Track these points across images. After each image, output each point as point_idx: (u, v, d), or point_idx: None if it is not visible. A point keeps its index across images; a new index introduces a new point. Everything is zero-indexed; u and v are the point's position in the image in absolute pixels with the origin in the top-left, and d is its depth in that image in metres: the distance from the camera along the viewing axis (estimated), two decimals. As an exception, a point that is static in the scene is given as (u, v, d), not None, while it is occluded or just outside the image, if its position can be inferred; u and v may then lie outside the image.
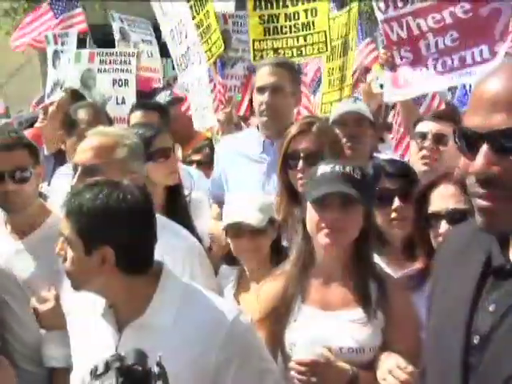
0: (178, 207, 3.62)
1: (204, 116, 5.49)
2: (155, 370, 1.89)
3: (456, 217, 2.65)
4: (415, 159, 3.92)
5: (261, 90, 4.08)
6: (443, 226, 2.66)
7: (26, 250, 3.30)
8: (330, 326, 2.64)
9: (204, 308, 2.30)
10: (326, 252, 2.69)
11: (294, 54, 5.17)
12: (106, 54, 6.29)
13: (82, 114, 4.35)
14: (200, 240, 3.48)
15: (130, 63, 6.25)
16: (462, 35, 4.18)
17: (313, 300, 2.71)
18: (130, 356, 1.68)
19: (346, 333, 2.62)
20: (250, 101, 5.75)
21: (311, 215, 2.68)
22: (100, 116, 4.41)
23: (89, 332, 2.36)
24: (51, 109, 5.49)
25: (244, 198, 3.42)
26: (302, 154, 3.38)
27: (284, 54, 5.13)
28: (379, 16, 4.47)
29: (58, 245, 2.33)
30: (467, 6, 4.11)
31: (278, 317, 2.69)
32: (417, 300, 2.76)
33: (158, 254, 2.37)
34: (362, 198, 2.63)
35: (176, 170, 3.69)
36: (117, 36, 8.34)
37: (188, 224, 3.52)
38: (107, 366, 1.65)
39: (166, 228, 2.78)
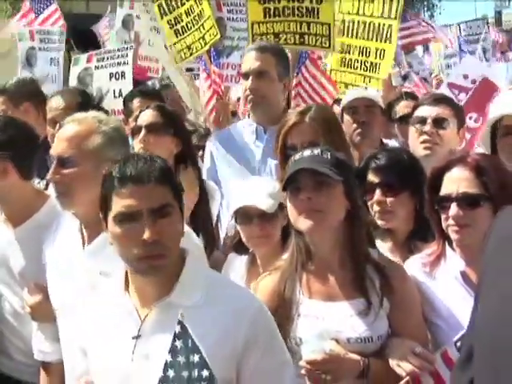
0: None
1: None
2: (176, 328, 2.00)
3: (466, 201, 2.62)
4: (416, 144, 3.88)
5: (245, 75, 4.07)
6: (453, 208, 2.62)
7: (19, 239, 3.26)
8: (335, 317, 2.62)
9: (231, 290, 2.36)
10: (311, 238, 2.65)
11: (296, 41, 4.82)
12: (104, 52, 6.31)
13: (52, 103, 4.37)
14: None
15: (127, 56, 6.26)
16: None
17: (315, 293, 2.68)
18: None
19: (352, 323, 2.60)
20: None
21: (289, 204, 2.65)
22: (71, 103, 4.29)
23: (103, 325, 2.35)
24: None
25: (254, 183, 3.40)
26: (298, 147, 3.30)
27: (285, 39, 4.82)
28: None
29: None
30: None
31: (277, 312, 2.61)
32: (428, 284, 2.78)
33: None
34: (336, 176, 2.58)
35: (153, 149, 3.62)
36: (118, 24, 8.28)
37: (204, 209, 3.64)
38: None
39: None
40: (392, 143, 4.54)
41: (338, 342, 2.58)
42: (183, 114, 5.93)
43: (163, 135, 3.79)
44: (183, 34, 6.16)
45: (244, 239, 3.23)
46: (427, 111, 3.92)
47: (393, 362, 2.54)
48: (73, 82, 6.63)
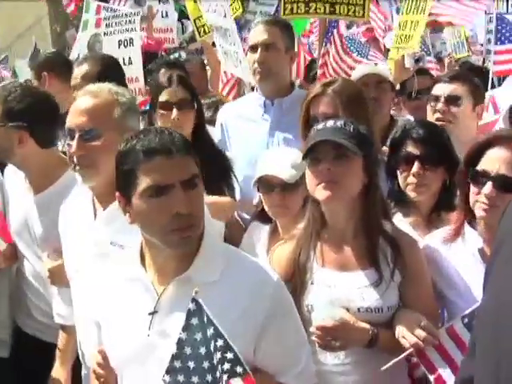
0: (202, 145, 3.58)
1: (231, 66, 5.29)
2: (191, 306, 1.96)
3: (504, 183, 2.58)
4: None
5: (253, 48, 4.11)
6: (488, 187, 2.59)
7: (39, 205, 3.33)
8: (347, 286, 2.65)
9: (249, 266, 2.30)
10: (327, 208, 2.68)
11: (327, 11, 4.68)
12: (112, 17, 6.27)
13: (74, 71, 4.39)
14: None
15: (134, 22, 6.21)
16: None
17: (328, 262, 2.71)
18: None
19: (362, 293, 2.64)
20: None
21: (308, 173, 2.67)
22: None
23: (117, 299, 2.32)
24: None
25: (278, 153, 3.42)
26: (319, 119, 3.28)
27: (316, 8, 4.70)
28: None
29: None
30: None
31: (293, 279, 2.68)
32: (447, 259, 2.80)
33: None
34: (357, 149, 2.60)
35: (179, 125, 3.58)
36: (130, 2, 8.36)
37: (222, 170, 3.60)
38: None
39: None
40: (407, 118, 4.53)
41: (348, 310, 2.62)
42: (206, 87, 5.94)
43: (191, 111, 3.76)
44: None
45: (266, 208, 3.27)
46: (441, 89, 3.96)
47: (398, 334, 2.59)
48: (83, 47, 6.60)
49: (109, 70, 4.31)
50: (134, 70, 5.76)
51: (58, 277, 3.14)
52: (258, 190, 3.31)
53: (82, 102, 2.80)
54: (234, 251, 2.43)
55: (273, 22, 4.26)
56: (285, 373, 2.29)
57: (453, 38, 8.73)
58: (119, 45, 6.10)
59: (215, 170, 3.47)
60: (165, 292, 2.22)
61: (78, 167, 2.76)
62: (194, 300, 1.96)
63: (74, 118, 2.77)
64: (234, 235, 3.57)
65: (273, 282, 2.26)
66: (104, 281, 2.40)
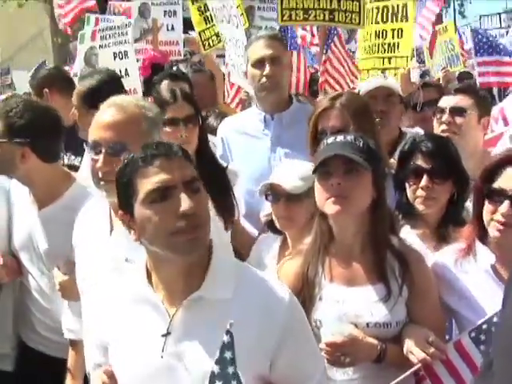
0: (208, 175, 3.57)
1: (238, 74, 5.29)
2: (225, 339, 1.89)
3: None
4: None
5: (259, 62, 4.08)
6: (505, 206, 2.56)
7: (43, 220, 3.30)
8: (355, 302, 2.64)
9: (260, 282, 2.23)
10: (336, 223, 2.67)
11: (326, 18, 4.73)
12: (106, 29, 6.30)
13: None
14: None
15: (126, 34, 6.24)
16: None
17: (336, 277, 2.70)
18: None
19: (371, 308, 2.63)
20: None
21: (317, 187, 2.66)
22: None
23: (127, 320, 2.25)
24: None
25: (290, 164, 3.42)
26: (328, 132, 3.31)
27: (315, 16, 4.74)
28: None
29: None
30: None
31: (301, 294, 2.65)
32: (458, 275, 2.77)
33: None
34: (367, 165, 2.59)
35: (186, 142, 3.55)
36: (134, 15, 8.40)
37: (222, 188, 3.52)
38: None
39: None
40: (416, 131, 4.54)
41: (356, 326, 2.61)
42: (215, 99, 5.95)
43: (196, 126, 3.70)
44: (212, 21, 6.19)
45: (274, 218, 3.28)
46: (446, 101, 4.01)
47: (406, 349, 2.58)
48: (80, 61, 6.61)
49: (111, 84, 4.29)
50: (132, 82, 5.80)
51: (69, 291, 3.12)
52: (266, 198, 3.31)
53: (107, 115, 2.67)
54: (245, 267, 2.36)
55: (274, 36, 4.29)
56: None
57: (447, 51, 8.73)
58: (114, 57, 6.14)
59: (216, 186, 3.43)
60: (177, 313, 2.16)
61: (102, 182, 2.64)
62: (228, 332, 1.90)
63: (100, 132, 2.65)
64: (241, 244, 3.56)
65: (286, 297, 2.21)
66: (113, 300, 2.34)
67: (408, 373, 2.55)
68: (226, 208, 3.49)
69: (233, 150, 4.17)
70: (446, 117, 3.93)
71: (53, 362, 3.32)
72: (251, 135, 4.15)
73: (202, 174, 3.53)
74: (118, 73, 5.44)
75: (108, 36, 6.28)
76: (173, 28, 8.20)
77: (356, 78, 5.37)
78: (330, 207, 2.62)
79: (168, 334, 2.15)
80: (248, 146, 4.12)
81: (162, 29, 8.04)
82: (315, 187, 2.69)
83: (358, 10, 4.66)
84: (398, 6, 4.88)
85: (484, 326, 2.54)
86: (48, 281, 3.30)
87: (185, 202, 2.06)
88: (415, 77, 5.68)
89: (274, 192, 3.24)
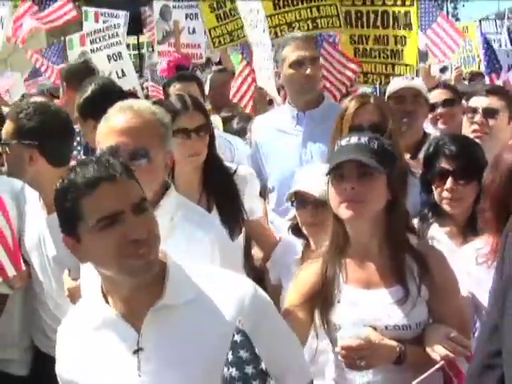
0: (215, 184, 3.50)
1: (264, 80, 5.34)
2: (237, 338, 1.85)
3: None
4: (467, 133, 3.92)
5: (298, 63, 4.18)
6: None
7: (51, 226, 3.17)
8: (373, 304, 2.60)
9: (222, 279, 2.19)
10: (350, 226, 2.63)
11: (310, 27, 4.96)
12: (94, 32, 6.32)
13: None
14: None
15: (117, 35, 6.25)
16: None
17: (354, 280, 2.66)
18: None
19: (389, 311, 2.58)
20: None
21: (331, 190, 2.62)
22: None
23: (93, 349, 2.15)
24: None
25: (313, 168, 3.41)
26: (365, 127, 3.38)
27: (299, 27, 4.97)
28: None
29: None
30: None
31: (320, 299, 2.65)
32: (482, 273, 2.78)
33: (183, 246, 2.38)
34: (382, 168, 2.55)
35: (198, 153, 3.47)
36: (156, 16, 8.41)
37: (228, 195, 3.47)
38: None
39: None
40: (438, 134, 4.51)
41: (375, 329, 2.56)
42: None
43: (207, 135, 3.54)
44: (225, 19, 6.33)
45: (299, 224, 3.28)
46: (479, 102, 3.99)
47: (428, 348, 2.53)
48: None
49: (105, 93, 4.00)
50: (129, 82, 5.84)
51: (78, 297, 3.02)
52: (292, 205, 3.29)
53: (123, 119, 2.55)
54: (205, 269, 2.26)
55: (309, 38, 4.45)
56: (284, 378, 2.18)
57: (463, 51, 8.62)
58: (109, 59, 6.14)
59: (223, 194, 3.46)
60: (145, 327, 2.08)
61: None
62: (239, 331, 1.84)
63: (116, 137, 2.52)
64: (261, 244, 3.68)
65: (250, 288, 2.16)
66: (74, 337, 2.23)
67: (431, 371, 2.45)
68: (233, 215, 3.46)
69: (265, 152, 4.27)
70: (478, 117, 3.93)
71: None
72: (284, 131, 4.26)
73: (209, 182, 3.48)
74: (115, 74, 5.42)
75: (98, 39, 6.32)
76: (194, 31, 8.22)
77: (353, 70, 5.35)
78: (343, 212, 2.57)
79: (140, 349, 2.07)
80: (280, 143, 4.22)
81: (183, 31, 8.05)
82: (329, 190, 2.64)
83: (336, 13, 4.89)
84: (399, 12, 4.94)
85: None
86: (57, 286, 3.25)
87: (134, 229, 1.98)
88: (435, 71, 5.64)
89: (300, 199, 3.22)
